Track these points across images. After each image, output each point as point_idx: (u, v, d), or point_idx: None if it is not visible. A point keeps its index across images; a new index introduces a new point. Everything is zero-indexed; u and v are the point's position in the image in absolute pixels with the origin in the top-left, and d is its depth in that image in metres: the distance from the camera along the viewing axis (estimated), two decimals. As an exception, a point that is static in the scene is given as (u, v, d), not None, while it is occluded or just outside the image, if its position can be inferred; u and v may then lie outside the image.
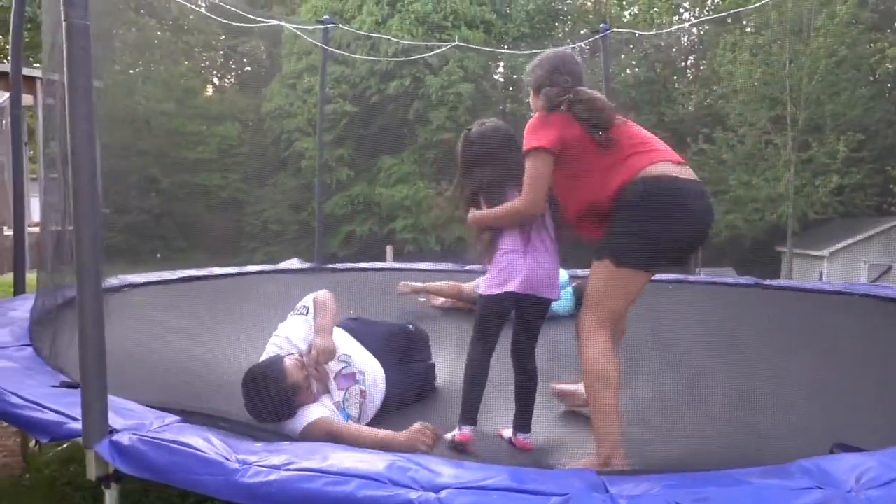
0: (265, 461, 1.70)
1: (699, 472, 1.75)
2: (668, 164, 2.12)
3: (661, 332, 3.49)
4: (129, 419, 1.93)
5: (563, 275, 4.01)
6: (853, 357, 3.07)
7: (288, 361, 2.33)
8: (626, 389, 2.12)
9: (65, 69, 1.58)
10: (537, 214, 2.24)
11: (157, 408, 2.10)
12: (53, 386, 2.28)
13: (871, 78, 18.21)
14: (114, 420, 1.89)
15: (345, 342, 2.58)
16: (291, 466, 1.68)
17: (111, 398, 2.09)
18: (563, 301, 3.66)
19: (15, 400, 2.08)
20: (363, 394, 2.45)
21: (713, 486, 1.61)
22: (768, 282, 5.35)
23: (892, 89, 18.04)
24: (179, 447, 1.74)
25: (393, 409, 2.54)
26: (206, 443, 1.77)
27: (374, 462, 1.71)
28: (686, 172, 2.15)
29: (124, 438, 1.78)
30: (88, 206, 1.64)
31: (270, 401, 2.20)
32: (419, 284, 4.35)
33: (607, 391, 2.03)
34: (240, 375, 2.37)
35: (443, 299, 4.32)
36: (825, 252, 17.89)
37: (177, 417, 2.03)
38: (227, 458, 1.70)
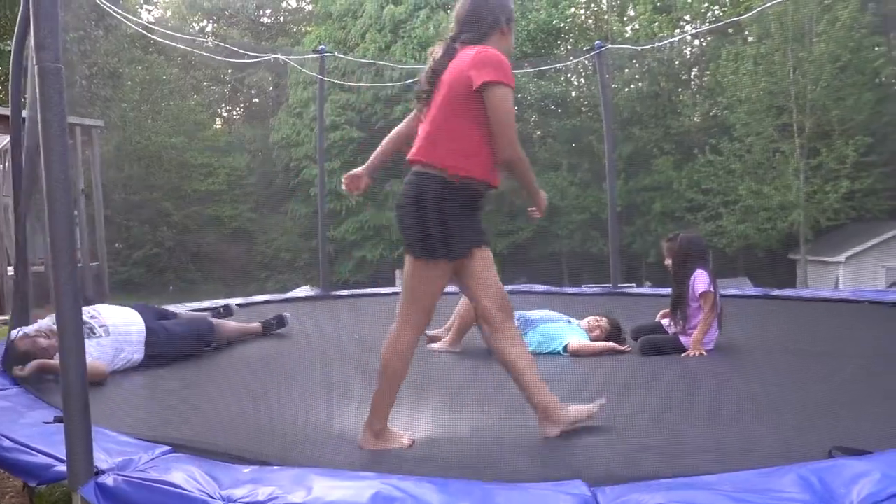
0: (249, 496, 1.68)
1: (696, 477, 1.72)
2: None
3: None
4: (117, 456, 1.92)
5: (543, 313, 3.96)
6: (858, 363, 3.00)
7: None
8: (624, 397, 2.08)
9: (38, 110, 1.59)
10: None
11: (147, 439, 2.10)
12: (46, 423, 2.28)
13: (877, 81, 18.07)
14: (102, 458, 1.88)
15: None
16: (276, 502, 1.66)
17: (102, 431, 2.09)
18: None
19: (5, 443, 2.07)
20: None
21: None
22: (776, 292, 5.28)
23: (899, 92, 17.89)
24: (164, 486, 1.72)
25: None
26: (191, 479, 1.75)
27: (360, 491, 1.68)
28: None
29: (109, 480, 1.77)
30: (64, 246, 1.65)
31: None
32: (444, 346, 4.00)
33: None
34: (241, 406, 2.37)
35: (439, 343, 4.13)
36: (840, 258, 17.65)
37: (166, 448, 2.03)
38: (210, 497, 1.68)
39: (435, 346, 3.99)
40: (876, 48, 17.57)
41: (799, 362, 2.80)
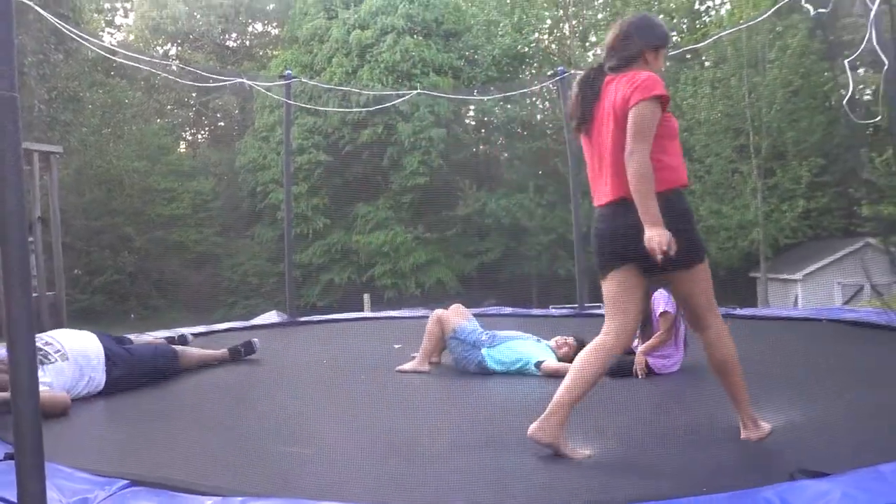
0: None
1: (663, 502, 1.73)
2: None
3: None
4: (71, 495, 1.85)
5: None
6: (820, 382, 3.07)
7: None
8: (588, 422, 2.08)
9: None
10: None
11: (104, 474, 2.04)
12: (-2, 461, 2.19)
13: (827, 105, 18.78)
14: (55, 497, 1.81)
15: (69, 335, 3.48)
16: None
17: (56, 467, 2.02)
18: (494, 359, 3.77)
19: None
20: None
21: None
22: (738, 311, 5.39)
23: (847, 115, 18.57)
24: (121, 525, 1.66)
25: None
26: (150, 517, 1.70)
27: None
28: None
29: (63, 520, 1.70)
30: (19, 277, 1.60)
31: None
32: (413, 367, 3.95)
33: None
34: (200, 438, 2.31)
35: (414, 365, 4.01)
36: (798, 276, 18.13)
37: (124, 482, 1.96)
38: (170, 534, 1.63)
39: (405, 366, 3.95)
40: (825, 73, 18.29)
41: (761, 383, 2.85)
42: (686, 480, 1.99)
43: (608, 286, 2.38)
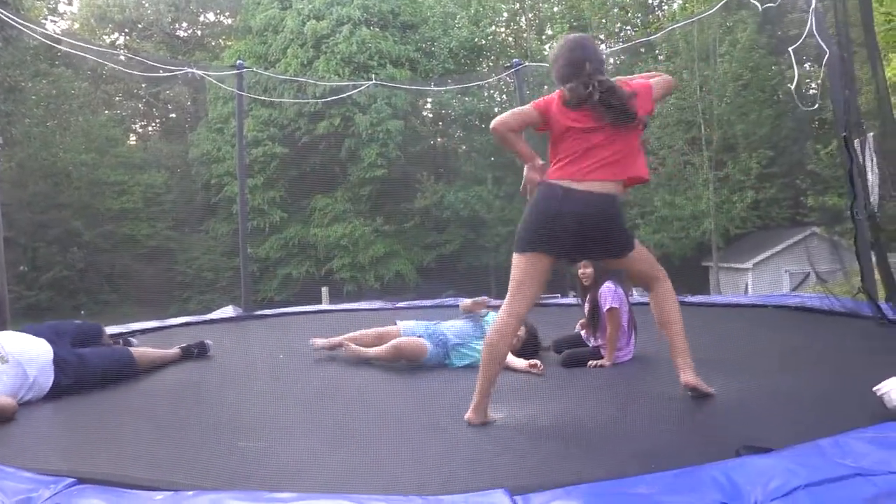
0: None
1: (610, 481, 1.77)
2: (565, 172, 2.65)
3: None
4: (14, 494, 1.79)
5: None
6: (763, 365, 3.18)
7: None
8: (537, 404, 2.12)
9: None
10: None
11: (50, 472, 1.97)
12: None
13: (775, 98, 19.34)
14: (-2, 498, 1.75)
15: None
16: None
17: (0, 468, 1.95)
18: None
19: None
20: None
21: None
22: (689, 298, 5.53)
23: (794, 108, 19.18)
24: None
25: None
26: (98, 515, 1.65)
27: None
28: (572, 182, 2.63)
29: (5, 520, 1.65)
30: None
31: None
32: (334, 340, 4.08)
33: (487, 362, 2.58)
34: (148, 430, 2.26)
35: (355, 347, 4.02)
36: (748, 264, 18.68)
37: (71, 480, 1.91)
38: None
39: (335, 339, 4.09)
40: (773, 67, 18.84)
41: (709, 366, 2.94)
42: (634, 459, 2.04)
43: (532, 265, 2.63)
